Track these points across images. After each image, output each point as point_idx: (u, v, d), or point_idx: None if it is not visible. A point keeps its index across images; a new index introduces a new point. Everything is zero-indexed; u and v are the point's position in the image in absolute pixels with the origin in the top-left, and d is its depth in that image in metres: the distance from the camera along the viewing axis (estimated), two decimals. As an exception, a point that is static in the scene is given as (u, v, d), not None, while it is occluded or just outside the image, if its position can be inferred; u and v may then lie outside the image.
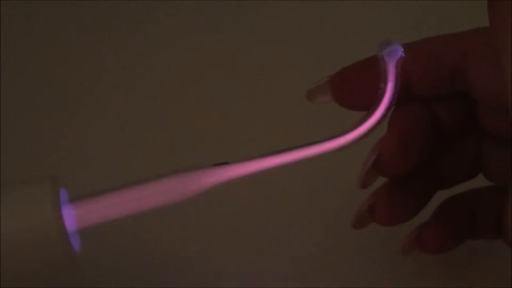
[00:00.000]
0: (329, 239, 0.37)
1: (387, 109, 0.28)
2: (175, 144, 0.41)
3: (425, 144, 0.30)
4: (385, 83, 0.29)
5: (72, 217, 0.27)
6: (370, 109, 0.29)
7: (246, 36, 0.45)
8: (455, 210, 0.32)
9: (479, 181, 0.33)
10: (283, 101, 0.42)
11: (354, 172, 0.31)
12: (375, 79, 0.29)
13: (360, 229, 0.33)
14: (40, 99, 0.42)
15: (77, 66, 0.44)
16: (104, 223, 0.28)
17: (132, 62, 0.44)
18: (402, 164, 0.30)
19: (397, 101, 0.29)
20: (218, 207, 0.37)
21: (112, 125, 0.41)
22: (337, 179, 0.38)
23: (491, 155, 0.32)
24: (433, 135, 0.31)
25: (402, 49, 0.29)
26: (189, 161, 0.39)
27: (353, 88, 0.30)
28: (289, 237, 0.37)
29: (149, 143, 0.41)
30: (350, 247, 0.37)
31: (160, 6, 0.46)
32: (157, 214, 0.36)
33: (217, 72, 0.44)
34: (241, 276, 0.36)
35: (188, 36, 0.45)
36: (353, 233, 0.34)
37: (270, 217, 0.38)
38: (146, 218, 0.34)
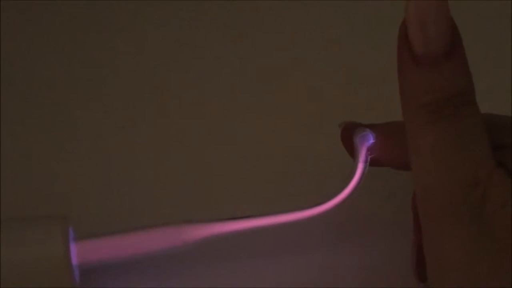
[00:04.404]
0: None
1: (355, 188, 0.33)
2: (175, 144, 0.41)
3: None
4: (356, 163, 0.33)
5: (75, 253, 0.32)
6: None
7: (249, 36, 0.45)
8: None
9: None
10: (287, 102, 0.43)
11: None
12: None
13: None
14: (40, 99, 0.43)
15: (77, 65, 0.44)
16: (102, 263, 0.32)
17: (133, 61, 0.44)
18: None
19: None
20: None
21: (112, 125, 0.42)
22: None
23: None
24: None
25: (374, 136, 0.33)
26: (189, 161, 0.41)
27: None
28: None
29: (149, 143, 0.41)
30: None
31: (161, 5, 0.46)
32: (157, 214, 0.39)
33: (219, 72, 0.44)
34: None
35: (189, 35, 0.45)
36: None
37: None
38: (146, 217, 0.37)
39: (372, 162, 0.33)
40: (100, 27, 0.45)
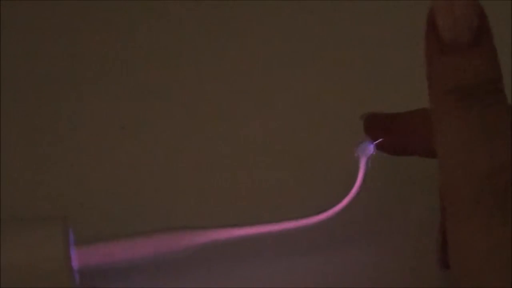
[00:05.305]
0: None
1: (353, 198, 0.33)
2: (175, 145, 0.42)
3: None
4: (357, 175, 0.33)
5: (75, 257, 0.32)
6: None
7: (250, 36, 0.45)
8: None
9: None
10: (282, 102, 0.43)
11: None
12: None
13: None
14: (40, 99, 0.42)
15: (77, 65, 0.44)
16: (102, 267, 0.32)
17: (133, 62, 0.44)
18: None
19: None
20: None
21: (112, 125, 0.42)
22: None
23: None
24: None
25: (374, 148, 0.33)
26: (189, 163, 0.41)
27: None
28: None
29: (149, 143, 0.42)
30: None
31: (161, 6, 0.46)
32: (157, 215, 0.39)
33: (219, 73, 0.44)
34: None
35: (189, 35, 0.45)
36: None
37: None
38: (146, 218, 0.38)
39: (399, 151, 0.34)
40: (100, 27, 0.45)
